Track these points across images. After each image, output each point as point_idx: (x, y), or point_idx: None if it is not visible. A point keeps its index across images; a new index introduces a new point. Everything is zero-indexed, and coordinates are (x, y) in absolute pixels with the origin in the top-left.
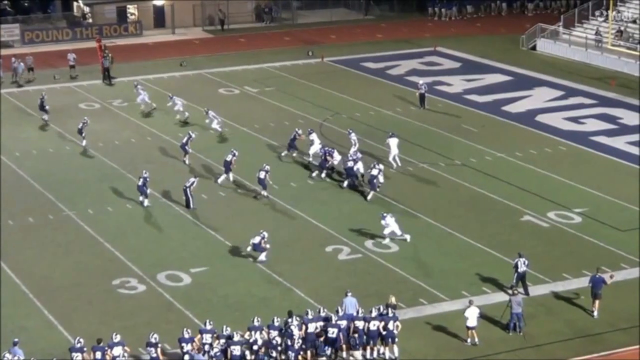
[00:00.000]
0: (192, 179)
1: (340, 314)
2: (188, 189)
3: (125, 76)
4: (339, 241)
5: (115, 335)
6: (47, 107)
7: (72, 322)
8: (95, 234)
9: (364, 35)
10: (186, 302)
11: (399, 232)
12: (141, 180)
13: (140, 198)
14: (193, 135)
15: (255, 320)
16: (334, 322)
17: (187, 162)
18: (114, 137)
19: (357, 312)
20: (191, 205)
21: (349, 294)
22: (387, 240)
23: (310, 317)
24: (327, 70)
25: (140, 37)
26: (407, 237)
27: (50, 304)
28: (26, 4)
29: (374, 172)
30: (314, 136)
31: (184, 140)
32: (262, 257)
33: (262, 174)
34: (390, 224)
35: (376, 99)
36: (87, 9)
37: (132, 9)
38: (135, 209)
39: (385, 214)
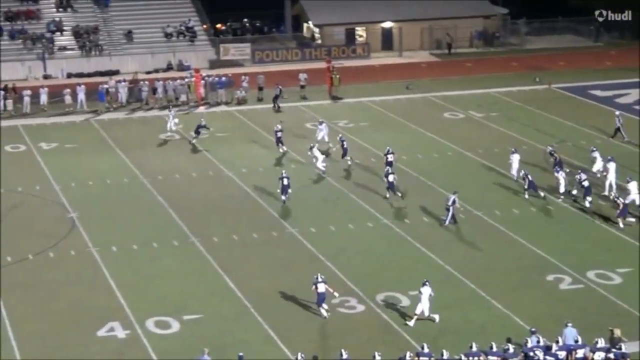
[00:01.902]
0: (452, 197)
1: (560, 344)
2: (451, 207)
3: (351, 97)
4: (560, 270)
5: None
6: (200, 131)
7: (291, 339)
8: (317, 252)
9: (593, 62)
10: (403, 325)
11: (426, 312)
12: (285, 180)
13: (283, 197)
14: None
15: (474, 346)
16: (553, 351)
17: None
18: (337, 156)
19: (577, 343)
20: (446, 222)
21: (569, 324)
22: (607, 272)
23: (529, 346)
24: (554, 96)
25: (368, 59)
26: (436, 317)
27: (271, 319)
28: (258, 24)
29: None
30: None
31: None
32: (324, 311)
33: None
34: (423, 297)
35: (603, 128)
36: (316, 30)
37: (360, 31)
38: (357, 229)
39: (426, 281)
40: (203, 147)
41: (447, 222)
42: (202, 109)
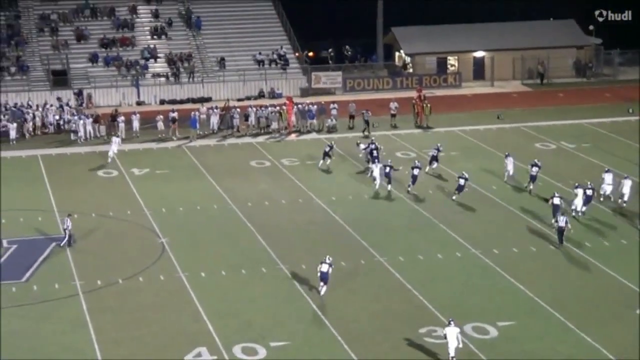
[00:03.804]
0: (563, 217)
1: None
2: (566, 228)
3: (442, 127)
4: None
5: None
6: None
7: None
8: (405, 281)
9: None
10: (492, 355)
11: (452, 353)
12: (387, 168)
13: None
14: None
15: None
16: None
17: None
18: (427, 185)
19: None
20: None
21: None
22: None
23: None
24: None
25: (459, 89)
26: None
27: (358, 347)
28: (349, 52)
29: None
30: None
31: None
32: (324, 290)
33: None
34: (450, 337)
35: None
36: (408, 59)
37: (452, 60)
38: (445, 259)
39: (451, 320)
40: (292, 174)
41: (563, 243)
42: (293, 136)
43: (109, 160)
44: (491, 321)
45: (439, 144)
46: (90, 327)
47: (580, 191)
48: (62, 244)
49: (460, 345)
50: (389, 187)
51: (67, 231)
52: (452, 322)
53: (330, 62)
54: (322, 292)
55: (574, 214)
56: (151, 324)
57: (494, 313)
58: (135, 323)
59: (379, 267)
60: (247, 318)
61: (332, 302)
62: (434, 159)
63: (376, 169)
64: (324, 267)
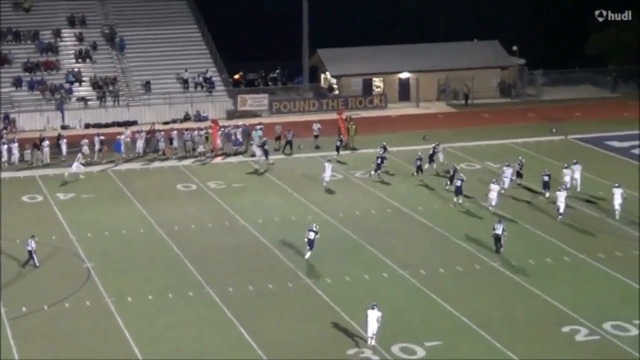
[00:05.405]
0: (500, 225)
1: None
2: (502, 235)
3: (368, 148)
4: (576, 321)
5: None
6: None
7: None
8: (332, 303)
9: (610, 113)
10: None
11: (370, 334)
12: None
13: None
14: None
15: None
16: None
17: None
18: (354, 207)
19: None
20: (501, 250)
21: None
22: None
23: None
24: (571, 147)
25: (385, 110)
26: (372, 343)
27: None
28: (275, 75)
29: None
30: None
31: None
32: (308, 254)
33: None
34: (370, 319)
35: (619, 178)
36: (334, 81)
37: (377, 81)
38: (372, 280)
39: (375, 305)
40: (219, 197)
41: (502, 250)
42: (219, 159)
43: (76, 177)
44: (418, 341)
45: (437, 143)
46: (16, 355)
47: (508, 170)
48: (25, 265)
49: (380, 323)
50: (377, 174)
51: (31, 252)
52: (375, 307)
53: (268, 83)
54: (307, 256)
55: (502, 191)
56: (78, 350)
57: (421, 333)
58: (61, 349)
59: (306, 290)
60: (174, 343)
61: (260, 325)
62: (431, 157)
63: (328, 168)
64: (311, 235)
